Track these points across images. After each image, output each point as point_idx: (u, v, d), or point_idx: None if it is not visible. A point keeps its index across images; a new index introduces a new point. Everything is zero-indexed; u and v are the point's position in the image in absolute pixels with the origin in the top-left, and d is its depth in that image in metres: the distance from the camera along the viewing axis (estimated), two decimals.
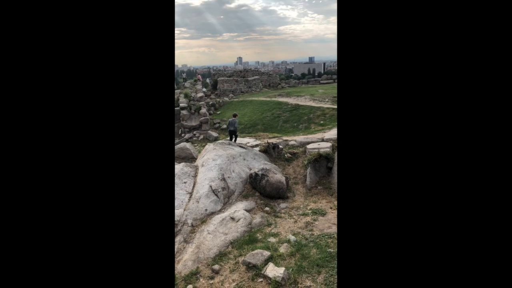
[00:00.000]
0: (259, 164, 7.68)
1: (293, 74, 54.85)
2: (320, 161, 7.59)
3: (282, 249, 4.55)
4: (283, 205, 6.34)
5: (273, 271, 3.90)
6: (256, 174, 6.76)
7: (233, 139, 9.92)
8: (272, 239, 4.94)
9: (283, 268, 3.89)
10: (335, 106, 18.32)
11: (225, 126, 17.44)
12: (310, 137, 10.11)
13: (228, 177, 6.81)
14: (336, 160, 7.41)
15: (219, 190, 6.41)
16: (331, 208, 5.98)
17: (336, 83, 31.32)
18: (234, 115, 10.44)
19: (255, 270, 4.09)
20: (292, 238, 4.84)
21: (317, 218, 5.56)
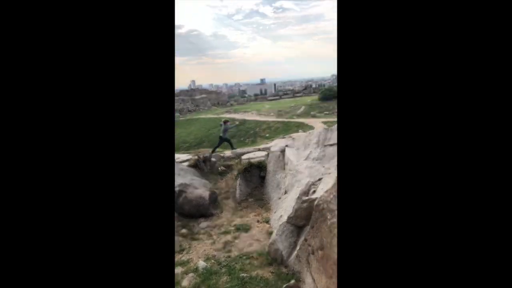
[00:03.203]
0: (184, 180, 6.64)
1: (246, 95, 56.58)
2: (251, 170, 6.83)
3: (186, 281, 3.52)
4: (204, 224, 5.32)
5: None
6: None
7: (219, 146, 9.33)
8: (179, 269, 3.89)
9: None
10: (280, 119, 18.39)
11: None
12: (249, 148, 9.44)
13: None
14: (268, 168, 6.72)
15: None
16: (258, 221, 5.15)
17: (281, 99, 32.09)
18: (225, 122, 9.69)
19: None
20: (202, 265, 3.84)
21: (239, 235, 4.66)
